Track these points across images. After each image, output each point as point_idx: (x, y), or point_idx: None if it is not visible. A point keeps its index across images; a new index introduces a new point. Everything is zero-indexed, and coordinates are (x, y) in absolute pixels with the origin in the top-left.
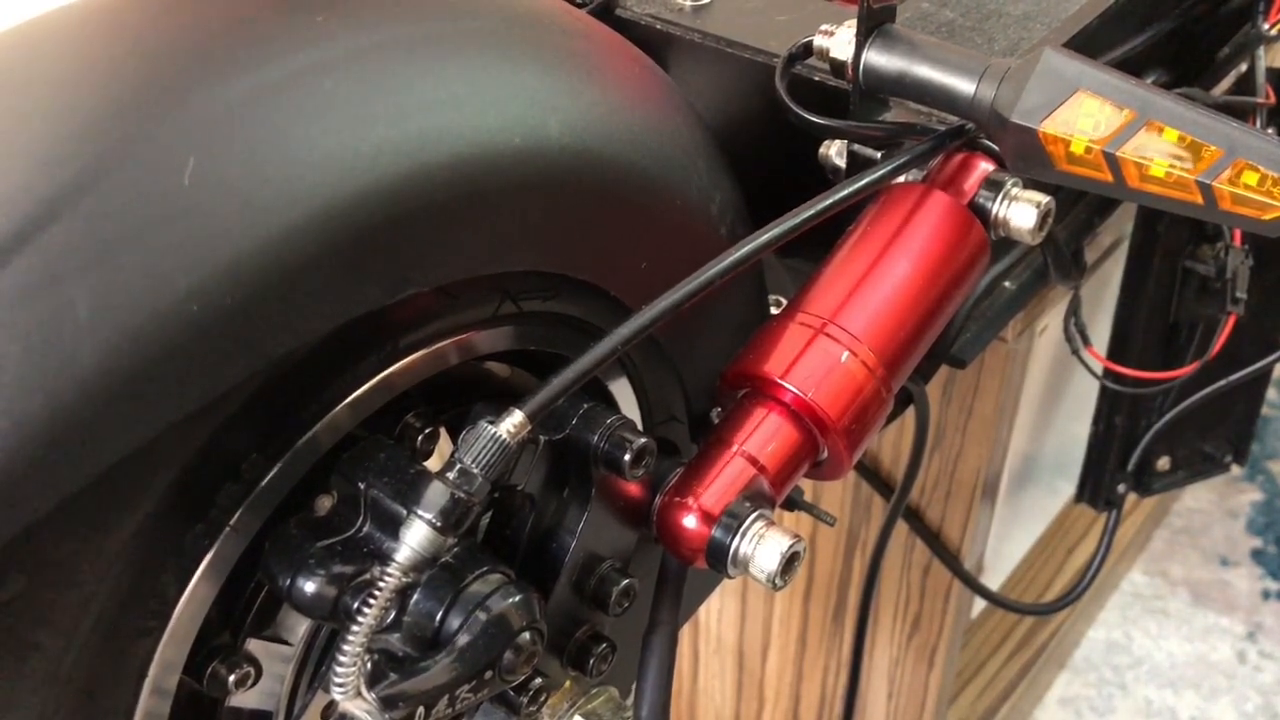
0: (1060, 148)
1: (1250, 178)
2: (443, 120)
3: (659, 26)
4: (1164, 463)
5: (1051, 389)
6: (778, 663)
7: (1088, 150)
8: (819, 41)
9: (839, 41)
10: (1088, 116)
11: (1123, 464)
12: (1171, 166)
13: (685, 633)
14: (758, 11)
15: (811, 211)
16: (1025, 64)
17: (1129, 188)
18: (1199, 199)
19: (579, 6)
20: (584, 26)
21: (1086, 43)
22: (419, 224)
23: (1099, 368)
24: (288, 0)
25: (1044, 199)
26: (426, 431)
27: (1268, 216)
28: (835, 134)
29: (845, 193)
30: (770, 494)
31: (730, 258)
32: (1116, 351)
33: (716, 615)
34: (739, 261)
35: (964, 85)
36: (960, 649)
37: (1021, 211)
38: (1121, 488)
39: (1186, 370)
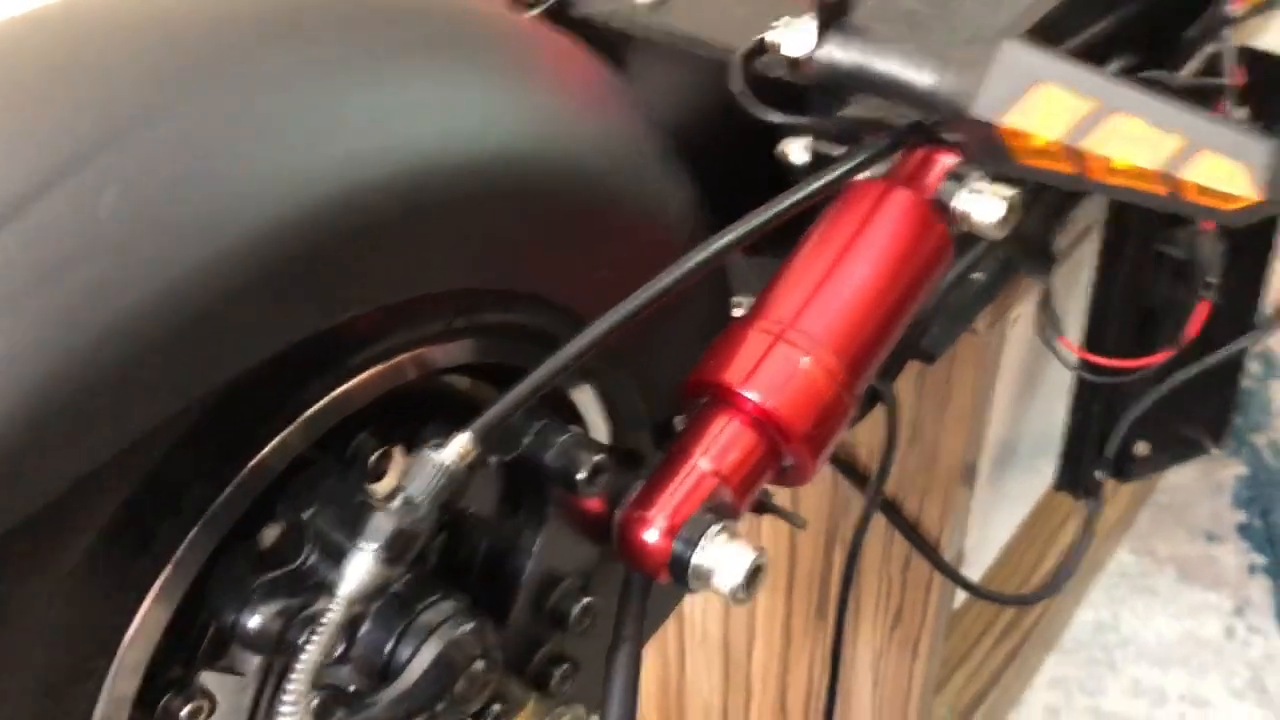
0: (1022, 142)
1: (1215, 168)
2: (374, 138)
3: (615, 25)
4: (1143, 448)
5: (1028, 374)
6: (763, 655)
7: (1050, 144)
8: (771, 37)
9: (793, 36)
10: (1049, 109)
11: (1101, 451)
12: (1136, 158)
13: (670, 627)
14: (716, 6)
15: (769, 215)
16: (984, 55)
17: (1093, 181)
18: (1164, 190)
19: (531, 7)
20: (524, 30)
21: (1052, 27)
22: (352, 246)
23: (1073, 359)
24: (209, 20)
25: (1009, 193)
26: (380, 452)
27: (1231, 206)
28: (793, 130)
29: (802, 194)
30: (733, 504)
31: (685, 266)
32: (1092, 338)
33: (701, 610)
34: (694, 269)
35: (923, 78)
36: (945, 637)
37: (985, 206)
38: (1100, 474)
39: (1159, 358)
